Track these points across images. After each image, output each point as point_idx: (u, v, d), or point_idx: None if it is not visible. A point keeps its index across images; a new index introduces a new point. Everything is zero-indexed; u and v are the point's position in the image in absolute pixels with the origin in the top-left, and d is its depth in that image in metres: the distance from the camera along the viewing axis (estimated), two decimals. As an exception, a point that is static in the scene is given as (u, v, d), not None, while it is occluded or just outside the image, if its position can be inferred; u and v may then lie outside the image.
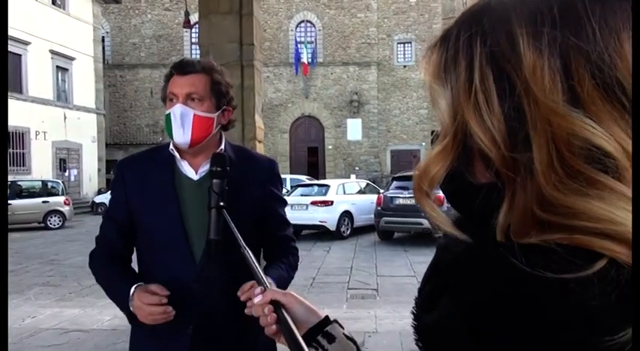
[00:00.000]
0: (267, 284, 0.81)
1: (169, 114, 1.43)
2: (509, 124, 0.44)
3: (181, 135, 1.41)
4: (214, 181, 1.23)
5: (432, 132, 0.61)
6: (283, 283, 1.43)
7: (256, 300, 0.78)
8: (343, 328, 0.75)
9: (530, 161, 0.43)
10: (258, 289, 0.79)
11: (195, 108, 1.42)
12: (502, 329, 0.44)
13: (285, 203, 1.63)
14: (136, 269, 1.50)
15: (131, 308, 1.35)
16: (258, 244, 1.54)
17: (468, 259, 0.49)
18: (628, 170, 0.41)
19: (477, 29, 0.47)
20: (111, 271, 1.46)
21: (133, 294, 1.34)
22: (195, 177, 1.47)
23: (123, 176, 1.50)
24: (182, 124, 1.41)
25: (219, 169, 1.26)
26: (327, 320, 0.75)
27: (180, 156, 1.49)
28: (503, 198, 0.46)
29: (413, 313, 0.57)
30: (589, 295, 0.40)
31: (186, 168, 1.48)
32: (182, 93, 1.42)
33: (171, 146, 1.50)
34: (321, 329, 0.73)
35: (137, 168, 1.51)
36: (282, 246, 1.57)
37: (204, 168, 1.46)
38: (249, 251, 0.89)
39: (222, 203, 1.18)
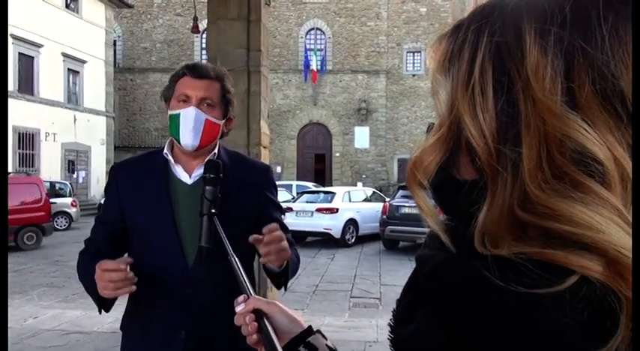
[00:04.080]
0: (252, 293, 0.80)
1: (178, 114, 1.42)
2: (501, 119, 0.44)
3: (192, 138, 1.41)
4: (207, 188, 1.22)
5: (429, 124, 0.59)
6: (293, 264, 1.43)
7: (238, 308, 0.76)
8: (326, 338, 0.73)
9: (518, 159, 0.43)
10: (241, 298, 0.78)
11: (208, 113, 1.44)
12: (476, 344, 0.43)
13: (280, 208, 1.62)
14: None
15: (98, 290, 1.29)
16: (253, 250, 1.54)
17: (445, 272, 0.49)
18: (614, 178, 0.40)
19: (487, 21, 0.47)
20: (89, 265, 1.40)
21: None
22: (189, 181, 1.47)
23: (116, 180, 1.50)
24: (194, 128, 1.41)
25: (212, 176, 1.25)
26: (309, 330, 0.73)
27: (174, 160, 1.49)
28: (484, 197, 0.45)
29: (390, 326, 0.56)
30: (560, 311, 0.39)
31: (180, 172, 1.48)
32: (197, 96, 1.43)
33: (165, 150, 1.50)
34: (303, 340, 0.72)
35: (131, 172, 1.51)
36: None
37: (198, 172, 1.46)
38: (237, 259, 0.88)
39: (213, 210, 1.17)
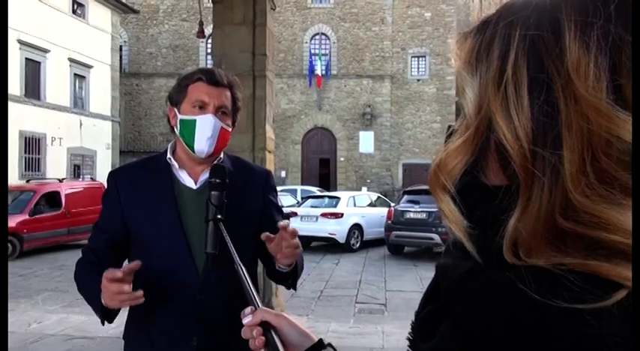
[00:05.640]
0: (259, 304, 0.77)
1: (194, 121, 1.40)
2: (538, 119, 0.41)
3: (208, 145, 1.40)
4: (213, 193, 1.20)
5: (449, 127, 0.56)
6: (301, 262, 1.44)
7: (245, 321, 0.73)
8: None
9: (558, 162, 0.39)
10: (248, 309, 0.74)
11: (223, 121, 1.43)
12: None
13: (282, 212, 1.62)
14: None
15: (102, 300, 1.26)
16: (258, 254, 1.51)
17: (472, 284, 0.45)
18: None
19: (520, 16, 0.44)
20: (90, 276, 1.38)
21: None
22: (194, 186, 1.45)
23: (117, 186, 1.46)
24: (212, 136, 1.40)
25: (218, 181, 1.23)
26: (320, 344, 0.70)
27: (179, 165, 1.46)
28: (516, 203, 0.42)
29: (409, 339, 0.53)
30: (608, 328, 0.36)
31: (185, 177, 1.46)
32: (214, 104, 1.41)
33: (168, 155, 1.48)
34: None
35: (132, 178, 1.48)
36: None
37: (204, 177, 1.44)
38: (243, 268, 0.85)
39: (219, 216, 1.15)
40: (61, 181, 13.44)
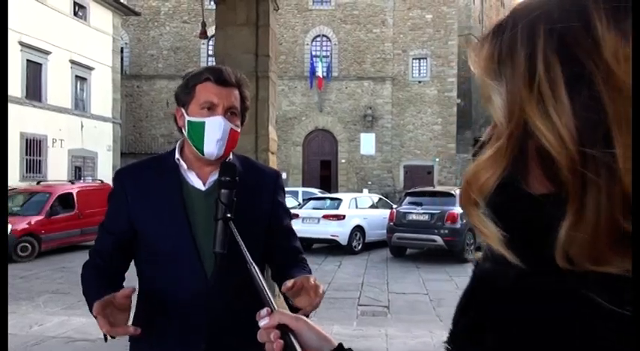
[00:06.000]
0: (275, 306, 0.74)
1: (203, 123, 1.36)
2: (582, 117, 0.37)
3: (217, 148, 1.36)
4: (222, 191, 1.17)
5: (476, 141, 0.55)
6: None
7: (262, 323, 0.69)
8: None
9: (612, 161, 0.36)
10: (265, 311, 0.71)
11: (232, 122, 1.39)
12: None
13: (289, 213, 1.58)
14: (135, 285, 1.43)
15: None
16: (265, 256, 1.48)
17: (524, 291, 0.41)
18: None
19: (540, 13, 0.41)
20: (94, 282, 1.36)
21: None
22: (203, 187, 1.41)
23: (124, 186, 1.42)
24: (222, 138, 1.36)
25: (228, 178, 1.20)
26: (341, 349, 0.67)
27: (187, 166, 1.43)
28: (565, 210, 0.38)
29: (447, 349, 0.50)
30: None
31: (194, 178, 1.42)
32: (224, 105, 1.37)
33: (176, 156, 1.44)
34: None
35: (139, 177, 1.44)
36: (292, 257, 1.50)
37: (213, 178, 1.41)
38: (257, 268, 0.82)
39: (229, 215, 1.11)
40: (72, 182, 13.53)
